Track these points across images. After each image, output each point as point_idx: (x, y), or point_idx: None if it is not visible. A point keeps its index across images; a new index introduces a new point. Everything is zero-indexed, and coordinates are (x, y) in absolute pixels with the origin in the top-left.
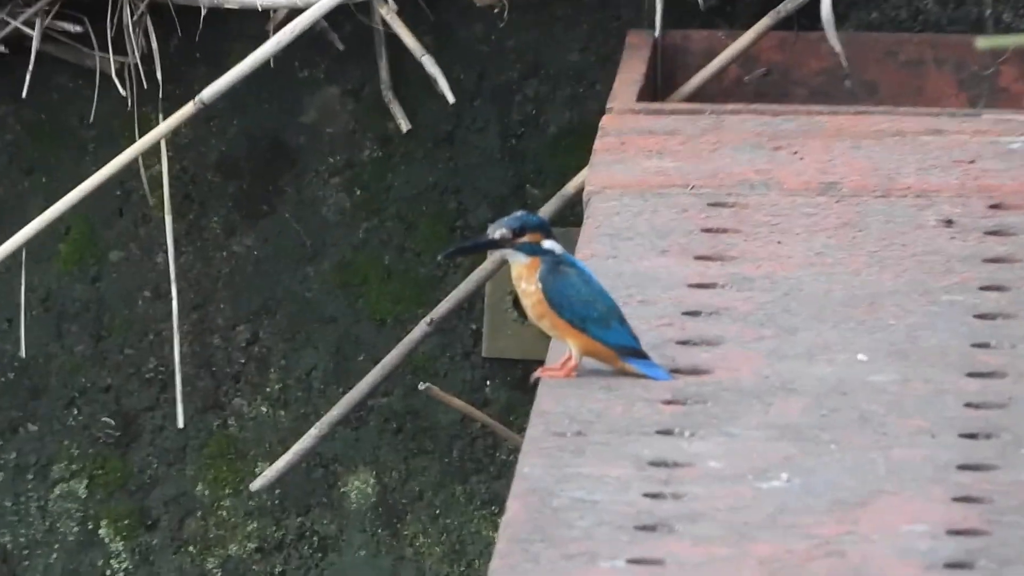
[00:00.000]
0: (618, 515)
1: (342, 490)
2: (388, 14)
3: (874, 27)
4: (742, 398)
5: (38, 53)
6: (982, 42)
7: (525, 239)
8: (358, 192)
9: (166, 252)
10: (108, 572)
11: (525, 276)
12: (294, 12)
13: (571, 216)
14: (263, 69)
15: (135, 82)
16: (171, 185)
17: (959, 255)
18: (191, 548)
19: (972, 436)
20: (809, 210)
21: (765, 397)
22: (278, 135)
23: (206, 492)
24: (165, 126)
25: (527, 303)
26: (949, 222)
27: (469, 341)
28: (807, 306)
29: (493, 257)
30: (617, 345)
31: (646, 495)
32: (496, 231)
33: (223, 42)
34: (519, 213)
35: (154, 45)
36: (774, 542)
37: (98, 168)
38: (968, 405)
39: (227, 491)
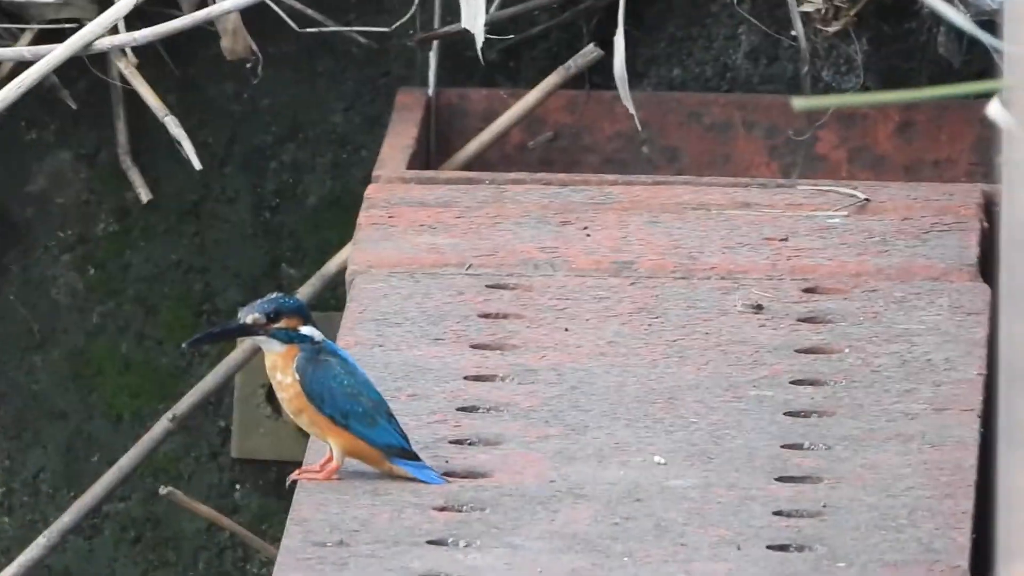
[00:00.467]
0: None
1: None
2: (127, 68)
3: (676, 86)
4: (525, 504)
5: None
6: (798, 103)
7: (281, 325)
8: (92, 271)
9: None
10: None
11: (280, 366)
12: (20, 65)
13: (332, 299)
14: None
15: None
16: None
17: (769, 345)
18: None
19: (783, 548)
20: (601, 293)
21: (551, 504)
22: (2, 205)
23: None
24: None
25: (283, 396)
26: (758, 307)
27: (217, 440)
28: (598, 402)
29: (244, 345)
30: (384, 444)
31: None
32: (248, 315)
33: None
34: (273, 295)
35: None
36: None
37: None
38: (778, 513)
39: None
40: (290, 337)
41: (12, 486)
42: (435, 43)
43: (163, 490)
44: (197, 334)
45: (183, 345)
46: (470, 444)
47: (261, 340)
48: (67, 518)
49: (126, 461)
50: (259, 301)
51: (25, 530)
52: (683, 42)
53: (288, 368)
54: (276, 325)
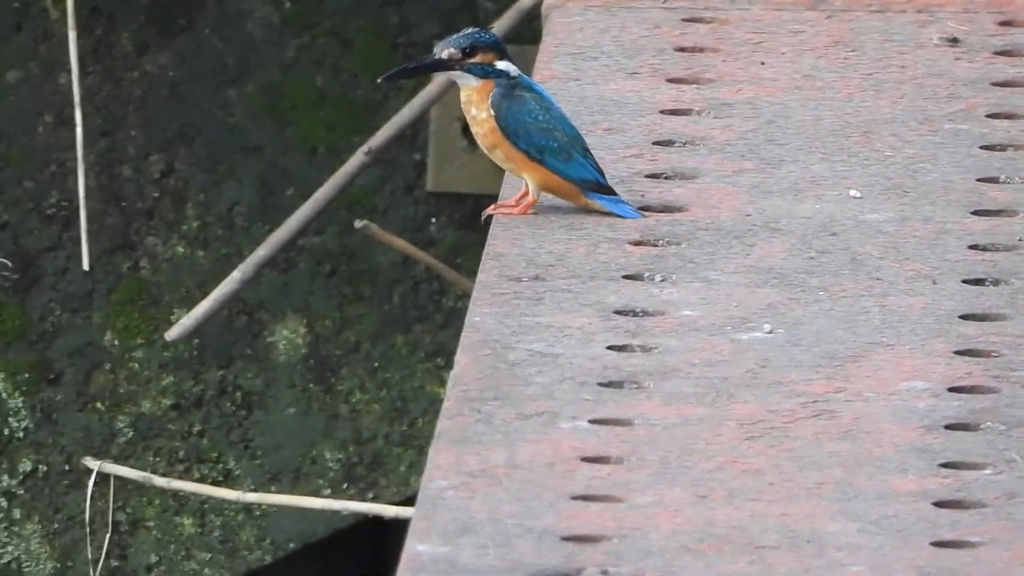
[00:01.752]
0: (581, 370)
1: (268, 340)
2: None
3: None
4: (720, 239)
5: None
6: None
7: (476, 60)
8: (287, 4)
9: (70, 72)
10: (6, 431)
11: (476, 101)
12: None
13: (528, 33)
14: None
15: None
16: None
17: (965, 78)
18: (99, 405)
19: (978, 282)
20: (796, 27)
21: (746, 238)
22: None
23: (115, 342)
24: None
25: (478, 131)
26: (954, 40)
27: (412, 173)
28: (793, 136)
29: (439, 79)
30: (579, 179)
31: (612, 348)
32: (443, 50)
33: None
34: (469, 30)
35: None
36: (755, 401)
37: None
38: (973, 247)
39: (139, 341)
40: (486, 72)
41: (207, 219)
42: None
43: (359, 223)
44: (392, 69)
45: (378, 80)
46: (666, 178)
47: (456, 75)
48: (262, 251)
49: (321, 194)
50: (455, 36)
51: (220, 264)
52: None
53: (483, 103)
54: (472, 60)
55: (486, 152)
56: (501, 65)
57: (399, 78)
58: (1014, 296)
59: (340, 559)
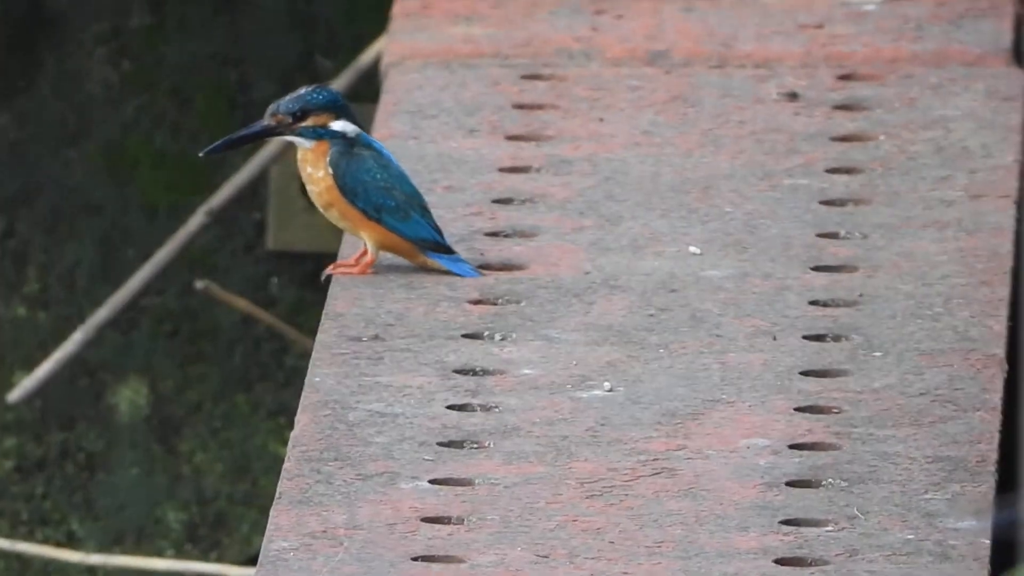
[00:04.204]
0: (421, 430)
1: (111, 401)
2: None
3: None
4: (560, 296)
5: None
6: None
7: (308, 123)
8: (127, 64)
9: None
10: None
11: (311, 160)
12: None
13: (367, 91)
14: None
15: None
16: None
17: (804, 133)
18: None
19: (818, 338)
20: (635, 82)
21: (586, 295)
22: None
23: None
24: None
25: (313, 190)
26: (793, 95)
27: (252, 232)
28: (633, 192)
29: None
30: (418, 238)
31: (452, 407)
32: (272, 116)
33: None
34: (302, 91)
35: None
36: (596, 459)
37: None
38: (814, 303)
39: None
40: (319, 134)
41: (48, 281)
42: None
43: (199, 283)
44: (216, 142)
45: (200, 154)
46: (505, 236)
47: (289, 139)
48: (103, 312)
49: (162, 254)
50: (285, 99)
51: (61, 324)
52: None
53: (320, 162)
54: (303, 123)
55: (321, 211)
56: (336, 126)
57: (224, 149)
58: (854, 351)
59: None
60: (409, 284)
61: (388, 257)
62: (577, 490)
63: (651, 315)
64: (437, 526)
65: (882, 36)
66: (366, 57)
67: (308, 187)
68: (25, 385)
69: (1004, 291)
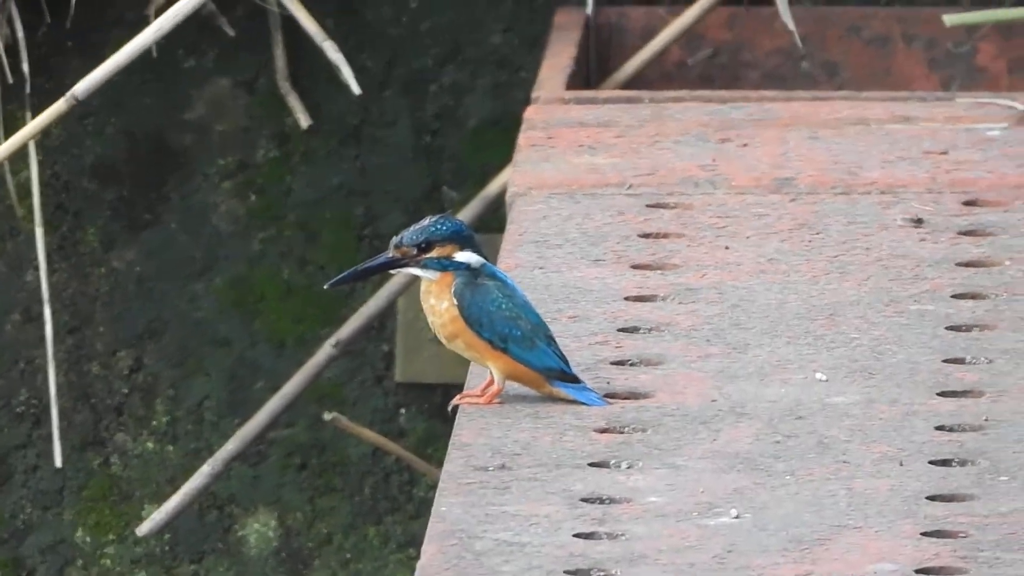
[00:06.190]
0: (548, 559)
1: (240, 534)
2: None
3: (835, 0)
4: (686, 424)
5: None
6: (950, 19)
7: (432, 254)
8: (253, 197)
9: (37, 269)
10: None
11: (435, 292)
12: None
13: (493, 221)
14: (144, 59)
15: None
16: (42, 193)
17: (930, 259)
18: None
19: (945, 463)
20: (761, 210)
21: (712, 423)
22: (162, 134)
23: (87, 539)
24: (34, 126)
25: (435, 321)
26: (919, 221)
27: (380, 364)
28: (759, 320)
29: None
30: (543, 367)
31: (579, 535)
32: (397, 248)
33: (99, 29)
34: (426, 221)
35: (19, 33)
36: None
37: None
38: (940, 428)
39: (111, 537)
40: (443, 265)
41: (176, 415)
42: None
43: (328, 415)
44: (341, 273)
45: (325, 286)
46: (631, 365)
47: (413, 271)
48: (231, 445)
49: (290, 387)
50: (410, 229)
51: (190, 459)
52: None
53: (443, 293)
54: (428, 255)
55: (444, 342)
56: (460, 257)
57: (349, 281)
58: (981, 476)
59: None
60: (535, 413)
61: (515, 387)
62: None
63: (777, 442)
64: None
65: (1007, 162)
66: (492, 187)
67: (430, 319)
68: (155, 518)
69: None
